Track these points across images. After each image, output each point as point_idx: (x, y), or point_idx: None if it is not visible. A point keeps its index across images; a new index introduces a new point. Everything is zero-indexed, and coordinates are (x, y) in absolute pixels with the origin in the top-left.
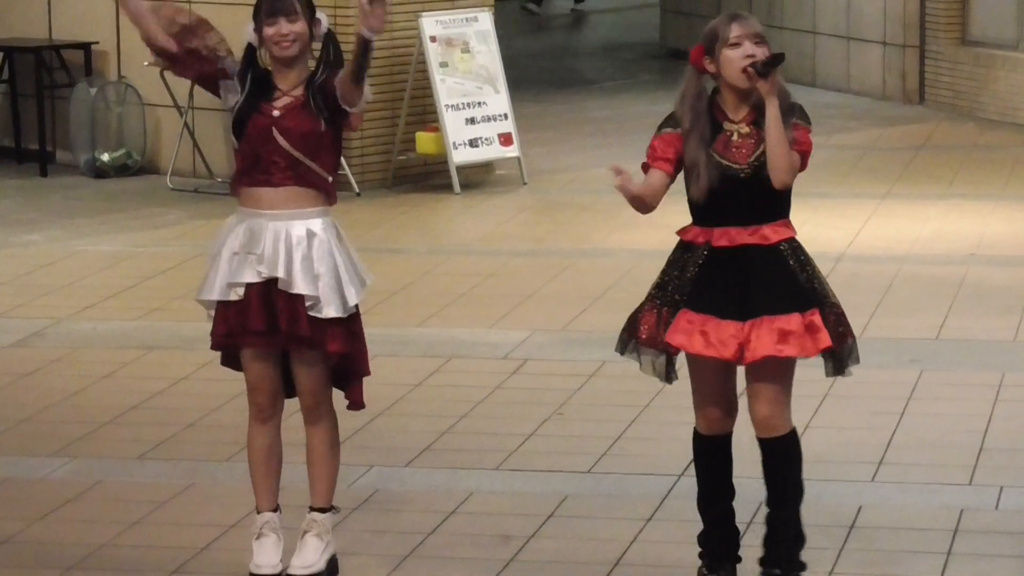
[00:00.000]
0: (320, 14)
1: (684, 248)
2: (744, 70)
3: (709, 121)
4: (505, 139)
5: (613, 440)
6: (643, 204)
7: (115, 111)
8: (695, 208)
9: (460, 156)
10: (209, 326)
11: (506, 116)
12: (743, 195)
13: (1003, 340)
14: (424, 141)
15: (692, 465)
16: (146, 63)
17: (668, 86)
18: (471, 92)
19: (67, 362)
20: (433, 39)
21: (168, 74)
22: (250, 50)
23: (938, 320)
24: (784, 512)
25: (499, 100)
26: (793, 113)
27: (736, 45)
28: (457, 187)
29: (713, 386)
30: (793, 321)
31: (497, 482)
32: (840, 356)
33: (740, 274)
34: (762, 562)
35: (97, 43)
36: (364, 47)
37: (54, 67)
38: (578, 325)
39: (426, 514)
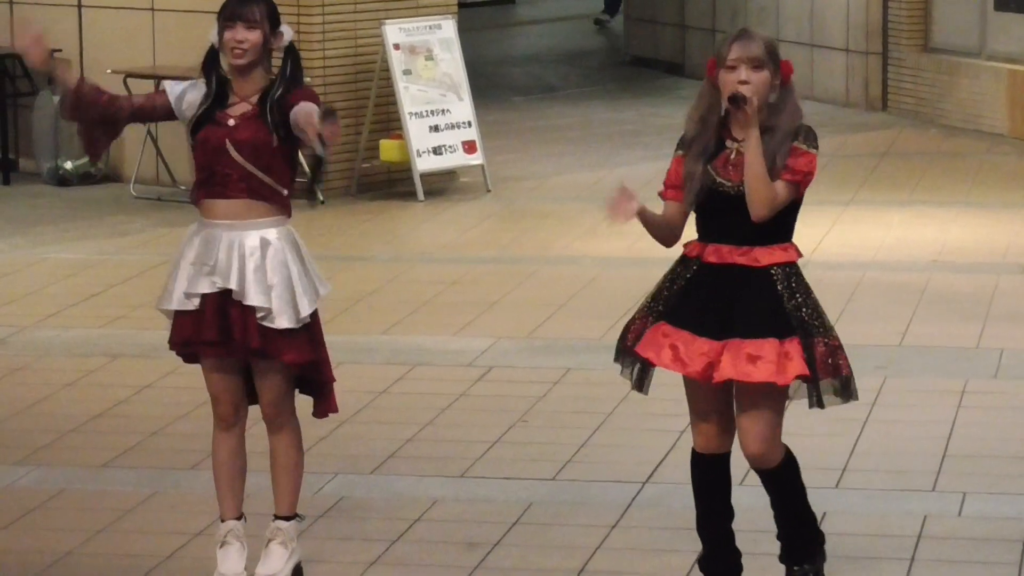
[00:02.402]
0: (284, 27)
1: (681, 261)
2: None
3: (716, 136)
4: (469, 147)
5: (578, 447)
6: (661, 237)
7: None
8: (697, 222)
9: (424, 164)
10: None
11: (470, 124)
12: (736, 214)
13: (966, 347)
14: (388, 149)
15: (656, 472)
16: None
17: (632, 94)
18: (435, 100)
19: (31, 370)
20: (397, 47)
21: (131, 81)
22: (213, 51)
23: (901, 327)
24: (794, 521)
25: (463, 107)
26: (795, 137)
27: (732, 68)
28: (421, 195)
29: (704, 403)
30: (766, 347)
31: (462, 489)
32: (819, 387)
33: (725, 293)
34: (786, 562)
35: (60, 51)
36: (317, 161)
37: (17, 75)
38: (542, 332)
39: (391, 521)
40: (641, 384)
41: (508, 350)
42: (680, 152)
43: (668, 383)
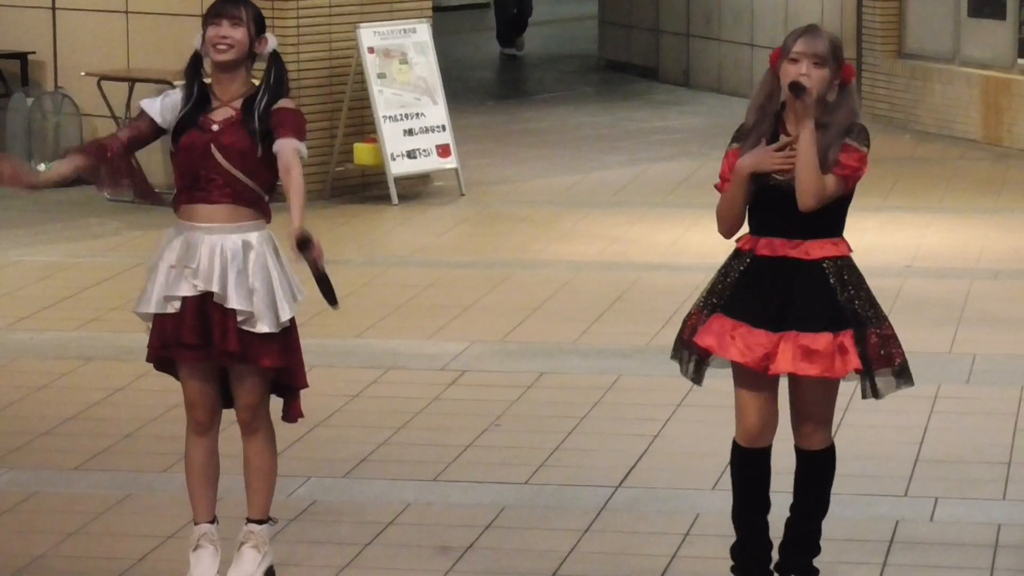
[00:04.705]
0: (269, 34)
1: (734, 254)
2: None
3: (772, 127)
4: (443, 150)
5: (551, 451)
6: (724, 224)
7: (52, 121)
8: (749, 216)
9: (398, 167)
10: (147, 337)
11: (444, 127)
12: (787, 207)
13: (939, 352)
14: (362, 152)
15: (629, 476)
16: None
17: (607, 98)
18: (409, 103)
19: (3, 373)
20: (371, 50)
21: (105, 84)
22: (196, 58)
23: None
24: (810, 523)
25: (437, 111)
26: (849, 134)
27: (795, 61)
28: (395, 198)
29: (752, 397)
30: (821, 340)
31: (435, 493)
32: (874, 379)
33: (778, 285)
34: (778, 568)
35: (34, 53)
36: (321, 278)
37: None
38: (516, 336)
39: (364, 525)
40: (699, 377)
41: (482, 354)
42: (736, 144)
43: (641, 388)
